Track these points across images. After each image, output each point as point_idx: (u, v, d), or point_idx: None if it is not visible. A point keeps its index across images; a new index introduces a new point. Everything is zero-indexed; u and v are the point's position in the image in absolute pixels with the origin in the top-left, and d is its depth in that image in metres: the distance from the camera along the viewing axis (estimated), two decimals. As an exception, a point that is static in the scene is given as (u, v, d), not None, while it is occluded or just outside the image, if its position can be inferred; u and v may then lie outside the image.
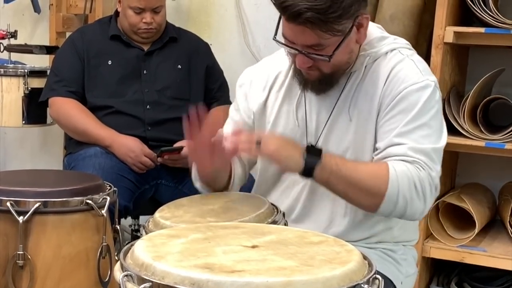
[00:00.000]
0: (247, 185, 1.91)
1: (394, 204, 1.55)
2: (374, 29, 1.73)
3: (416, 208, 1.57)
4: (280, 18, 1.58)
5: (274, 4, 1.55)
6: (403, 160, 1.57)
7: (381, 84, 1.65)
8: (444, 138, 1.65)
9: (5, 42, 3.43)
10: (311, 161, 1.54)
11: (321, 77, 1.65)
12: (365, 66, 1.67)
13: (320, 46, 1.57)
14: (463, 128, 2.61)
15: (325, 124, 1.71)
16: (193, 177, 1.83)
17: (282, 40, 1.62)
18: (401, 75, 1.64)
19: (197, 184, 1.83)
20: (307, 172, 1.55)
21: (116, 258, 1.73)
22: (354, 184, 1.56)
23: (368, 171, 1.58)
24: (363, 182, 1.56)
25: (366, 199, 1.58)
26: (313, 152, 1.55)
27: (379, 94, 1.65)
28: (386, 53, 1.69)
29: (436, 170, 1.59)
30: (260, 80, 1.81)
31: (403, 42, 1.74)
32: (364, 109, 1.66)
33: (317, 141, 1.72)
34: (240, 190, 1.86)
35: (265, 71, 1.82)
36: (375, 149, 1.65)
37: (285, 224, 1.58)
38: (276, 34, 1.61)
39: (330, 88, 1.68)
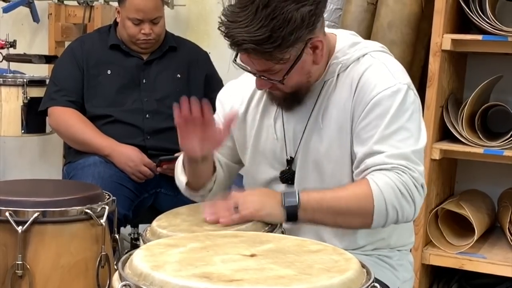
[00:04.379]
0: None
1: (385, 216, 1.55)
2: (346, 36, 1.74)
3: (408, 213, 1.57)
4: None
5: (220, 32, 1.56)
6: (381, 169, 1.56)
7: (352, 91, 1.65)
8: (423, 138, 1.63)
9: (4, 51, 3.44)
10: (292, 208, 1.55)
11: (285, 96, 1.67)
12: (338, 74, 1.67)
13: (271, 71, 1.58)
14: (461, 135, 2.62)
15: (302, 135, 1.71)
16: (178, 177, 1.83)
17: (241, 64, 1.64)
18: (372, 81, 1.63)
19: (181, 186, 1.83)
20: (291, 218, 1.56)
21: (115, 267, 1.73)
22: (340, 214, 1.57)
23: (350, 195, 1.57)
24: (348, 209, 1.56)
25: (356, 222, 1.59)
26: (291, 198, 1.56)
27: (351, 101, 1.65)
28: (359, 58, 1.68)
29: (418, 170, 1.58)
30: (238, 95, 1.83)
31: (376, 46, 1.73)
32: (337, 116, 1.66)
33: (296, 152, 1.72)
34: None
35: (244, 85, 1.82)
36: (353, 154, 1.65)
37: (283, 232, 1.58)
38: (236, 56, 1.62)
39: (298, 105, 1.69)
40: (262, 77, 1.61)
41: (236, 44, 1.53)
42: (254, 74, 1.63)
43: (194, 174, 1.78)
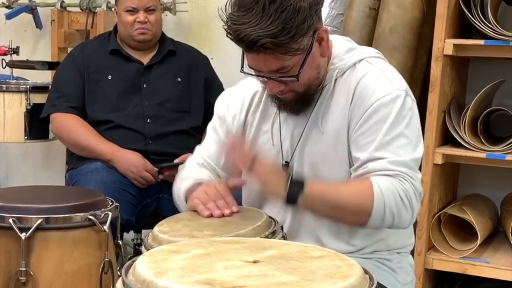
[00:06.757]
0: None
1: (381, 219, 1.58)
2: (342, 42, 1.75)
3: (405, 219, 1.60)
4: (243, 50, 1.60)
5: (230, 38, 1.56)
6: (385, 175, 1.58)
7: (350, 96, 1.66)
8: (421, 146, 1.65)
9: (7, 58, 3.45)
10: (294, 192, 1.57)
11: (296, 97, 1.67)
12: (335, 80, 1.68)
13: (285, 68, 1.58)
14: (464, 140, 2.62)
15: (299, 140, 1.72)
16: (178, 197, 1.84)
17: (250, 71, 1.64)
18: (370, 87, 1.64)
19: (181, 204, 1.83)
20: (290, 201, 1.58)
21: (118, 273, 1.73)
22: (338, 208, 1.59)
23: (351, 192, 1.60)
24: (347, 204, 1.59)
25: (352, 219, 1.62)
26: (296, 183, 1.58)
27: (348, 106, 1.66)
28: (355, 64, 1.69)
29: (417, 178, 1.61)
30: (237, 103, 1.83)
31: (371, 51, 1.75)
32: (335, 121, 1.67)
33: (292, 158, 1.73)
34: None
35: (241, 93, 1.83)
36: (351, 160, 1.66)
37: (284, 237, 1.58)
38: (242, 66, 1.63)
39: (307, 107, 1.70)
40: (275, 79, 1.61)
41: (251, 43, 1.52)
42: (266, 77, 1.62)
43: None
